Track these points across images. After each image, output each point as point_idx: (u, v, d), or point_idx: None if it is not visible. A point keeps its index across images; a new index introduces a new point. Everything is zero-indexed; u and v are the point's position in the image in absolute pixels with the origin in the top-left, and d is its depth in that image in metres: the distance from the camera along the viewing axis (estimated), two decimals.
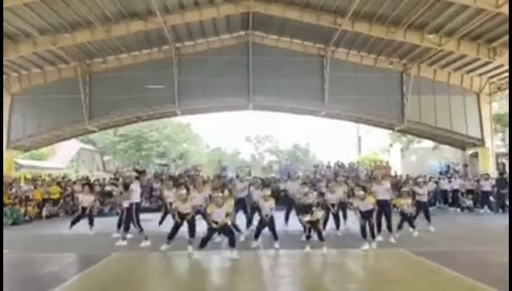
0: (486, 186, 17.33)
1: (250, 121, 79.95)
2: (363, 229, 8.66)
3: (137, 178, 10.00)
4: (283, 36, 21.96)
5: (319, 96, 21.97)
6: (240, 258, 7.52)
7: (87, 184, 13.15)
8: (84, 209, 11.08)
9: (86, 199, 10.99)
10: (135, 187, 9.36)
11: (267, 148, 52.40)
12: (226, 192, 9.03)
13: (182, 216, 8.40)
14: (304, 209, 8.58)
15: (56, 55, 19.59)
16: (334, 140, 63.49)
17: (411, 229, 10.01)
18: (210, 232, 7.85)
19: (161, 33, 19.14)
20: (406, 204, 9.83)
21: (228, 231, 7.86)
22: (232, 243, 7.69)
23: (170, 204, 10.01)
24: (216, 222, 7.67)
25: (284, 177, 18.18)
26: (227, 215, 7.82)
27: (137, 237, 9.30)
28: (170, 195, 10.47)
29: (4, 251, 8.28)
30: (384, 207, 9.40)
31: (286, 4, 18.74)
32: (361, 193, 8.80)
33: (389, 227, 9.49)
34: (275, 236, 8.68)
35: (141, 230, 9.22)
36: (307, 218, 8.35)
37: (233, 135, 79.13)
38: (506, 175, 18.15)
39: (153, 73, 21.58)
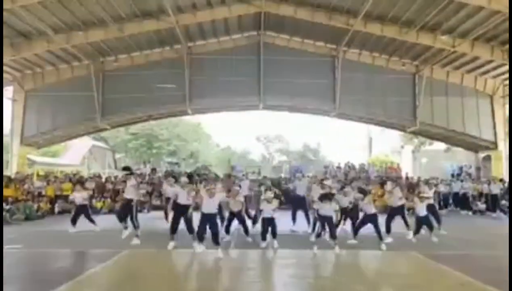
0: (496, 189, 17.15)
1: (260, 121, 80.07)
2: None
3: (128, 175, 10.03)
4: (295, 36, 21.94)
5: (330, 96, 21.89)
6: (249, 257, 7.55)
7: (79, 181, 13.14)
8: (78, 206, 10.77)
9: (78, 196, 10.78)
10: (131, 184, 9.47)
11: (277, 148, 52.42)
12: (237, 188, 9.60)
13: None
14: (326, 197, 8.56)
15: (69, 53, 19.84)
16: (345, 141, 63.32)
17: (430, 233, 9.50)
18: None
19: (173, 32, 19.26)
20: (420, 206, 9.45)
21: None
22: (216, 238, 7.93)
23: (168, 199, 10.10)
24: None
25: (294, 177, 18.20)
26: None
27: (144, 233, 9.38)
28: (173, 190, 10.16)
29: (17, 246, 8.44)
30: (399, 211, 9.62)
31: (298, 4, 18.71)
32: (360, 195, 9.15)
33: (407, 226, 9.65)
34: (273, 235, 8.84)
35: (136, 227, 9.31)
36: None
37: (243, 135, 79.38)
38: None
39: (165, 72, 21.74)
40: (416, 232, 9.39)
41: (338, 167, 22.72)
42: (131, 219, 9.31)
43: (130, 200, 9.37)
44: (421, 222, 9.38)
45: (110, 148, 39.05)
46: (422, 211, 9.36)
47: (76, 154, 33.39)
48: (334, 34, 20.18)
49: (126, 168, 10.85)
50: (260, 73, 21.75)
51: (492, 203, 17.22)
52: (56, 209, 16.56)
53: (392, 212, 9.59)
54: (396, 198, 9.63)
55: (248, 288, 6.14)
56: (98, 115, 21.40)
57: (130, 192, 9.44)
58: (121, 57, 21.51)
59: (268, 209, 8.84)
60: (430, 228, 9.45)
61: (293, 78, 21.54)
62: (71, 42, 18.38)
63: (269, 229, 8.76)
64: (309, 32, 20.87)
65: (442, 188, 18.28)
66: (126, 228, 9.36)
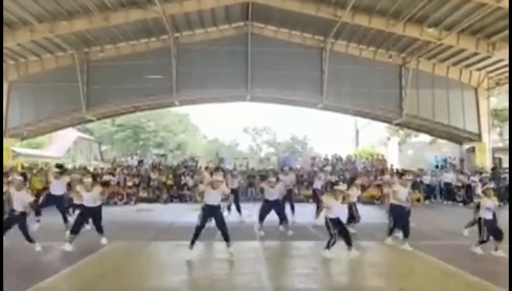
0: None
1: (248, 113, 79.90)
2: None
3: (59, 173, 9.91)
4: (283, 28, 21.86)
5: (318, 88, 21.92)
6: (242, 248, 7.56)
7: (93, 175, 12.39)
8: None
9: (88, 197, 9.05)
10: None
11: (265, 140, 52.39)
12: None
13: None
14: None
15: (53, 43, 19.43)
16: (332, 133, 63.62)
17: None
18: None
19: (159, 23, 19.01)
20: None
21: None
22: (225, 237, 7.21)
23: None
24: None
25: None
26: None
27: (132, 227, 9.33)
28: None
29: None
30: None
31: None
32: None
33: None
34: (281, 220, 9.57)
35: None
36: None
37: (231, 126, 79.13)
38: (499, 170, 18.28)
39: (152, 62, 21.50)
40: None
41: (326, 159, 22.87)
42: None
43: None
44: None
45: (95, 140, 38.61)
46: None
47: (60, 146, 32.95)
48: (322, 26, 20.16)
49: (58, 166, 10.59)
50: (247, 65, 21.66)
51: (473, 193, 17.57)
52: (41, 202, 16.33)
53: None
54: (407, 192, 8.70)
55: (236, 279, 6.17)
56: (83, 106, 21.08)
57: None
58: (106, 47, 21.17)
59: (272, 191, 9.33)
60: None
61: (280, 69, 21.50)
62: (55, 31, 17.98)
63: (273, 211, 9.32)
64: (297, 23, 20.82)
65: (428, 179, 18.56)
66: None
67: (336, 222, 7.05)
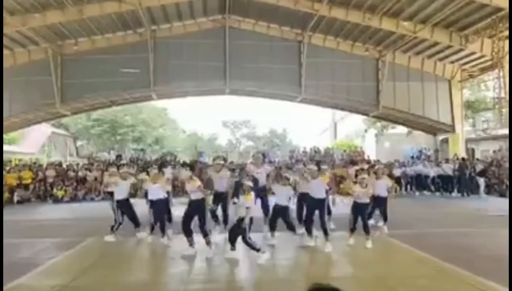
0: (448, 170, 18.01)
1: (227, 107, 79.90)
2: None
3: None
4: (261, 21, 21.82)
5: (296, 81, 22.04)
6: (221, 241, 7.58)
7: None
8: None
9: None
10: None
11: (244, 133, 52.52)
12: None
13: None
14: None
15: (26, 37, 18.88)
16: (310, 126, 64.18)
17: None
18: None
19: (136, 15, 18.69)
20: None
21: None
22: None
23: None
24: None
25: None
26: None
27: (111, 222, 9.22)
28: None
29: None
30: (380, 203, 8.68)
31: None
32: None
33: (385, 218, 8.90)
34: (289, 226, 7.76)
35: None
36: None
37: (210, 120, 78.97)
38: (468, 161, 18.81)
39: (128, 56, 21.13)
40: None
41: (304, 151, 23.06)
42: None
43: None
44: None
45: (71, 135, 37.83)
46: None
47: (34, 142, 32.13)
48: (300, 19, 20.23)
49: None
50: (226, 58, 21.57)
51: (446, 183, 18.11)
52: (15, 198, 16.02)
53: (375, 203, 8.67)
54: (385, 184, 8.87)
55: (214, 271, 6.20)
56: (58, 100, 20.59)
57: None
58: (81, 40, 20.68)
59: (283, 194, 7.62)
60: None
61: (259, 63, 21.52)
62: (27, 24, 17.44)
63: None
64: (275, 16, 20.80)
65: (399, 171, 18.92)
66: None
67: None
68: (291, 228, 7.60)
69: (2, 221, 7.05)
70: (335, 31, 21.23)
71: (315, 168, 7.87)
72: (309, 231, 7.51)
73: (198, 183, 7.13)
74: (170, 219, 8.52)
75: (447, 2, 16.22)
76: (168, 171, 11.54)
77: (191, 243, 6.97)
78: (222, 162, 8.72)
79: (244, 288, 5.32)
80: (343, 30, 20.77)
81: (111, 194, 8.32)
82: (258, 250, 6.40)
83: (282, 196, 7.60)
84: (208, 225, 7.36)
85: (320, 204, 7.53)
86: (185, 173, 7.40)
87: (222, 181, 8.33)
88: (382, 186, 8.58)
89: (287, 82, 22.10)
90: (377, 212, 9.01)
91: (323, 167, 8.27)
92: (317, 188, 7.55)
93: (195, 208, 7.06)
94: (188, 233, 6.97)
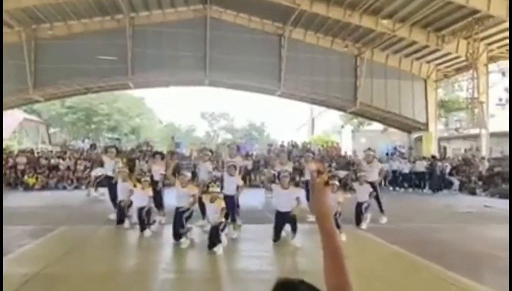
0: (421, 167, 18.49)
1: (205, 98, 79.23)
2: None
3: None
4: (242, 13, 21.70)
5: (276, 75, 22.06)
6: (195, 232, 7.52)
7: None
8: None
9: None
10: None
11: (222, 126, 52.23)
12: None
13: None
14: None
15: None
16: (288, 121, 64.43)
17: None
18: None
19: (114, 1, 18.28)
20: None
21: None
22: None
23: None
24: None
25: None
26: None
27: (83, 212, 9.06)
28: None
29: None
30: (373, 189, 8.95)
31: None
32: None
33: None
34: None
35: None
36: None
37: (188, 111, 78.09)
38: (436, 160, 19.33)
39: (105, 43, 20.67)
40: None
41: (282, 145, 23.14)
42: None
43: None
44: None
45: (43, 122, 36.73)
46: None
47: (5, 128, 31.02)
48: (281, 13, 20.20)
49: None
50: (206, 49, 21.37)
51: (418, 180, 18.58)
52: None
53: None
54: (377, 168, 9.74)
55: (187, 263, 6.17)
56: (30, 86, 19.98)
57: None
58: (56, 25, 20.08)
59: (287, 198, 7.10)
60: None
61: (239, 55, 21.42)
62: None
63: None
64: (256, 9, 20.72)
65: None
66: None
67: None
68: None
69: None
70: (315, 27, 21.32)
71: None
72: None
73: (195, 190, 7.13)
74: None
75: (426, 2, 16.51)
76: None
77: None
78: (209, 154, 9.05)
79: (221, 277, 5.31)
80: (323, 26, 20.89)
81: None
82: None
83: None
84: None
85: None
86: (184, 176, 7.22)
87: (208, 170, 8.62)
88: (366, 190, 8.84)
89: (266, 75, 22.09)
90: (376, 208, 9.34)
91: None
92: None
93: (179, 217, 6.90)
94: (176, 237, 6.85)
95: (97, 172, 12.88)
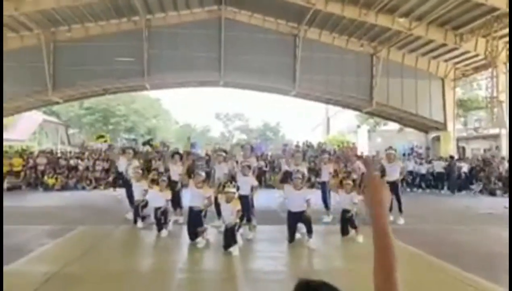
0: (439, 168, 18.20)
1: (220, 99, 79.73)
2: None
3: None
4: (256, 13, 21.72)
5: (290, 75, 22.02)
6: (211, 232, 7.57)
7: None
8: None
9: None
10: None
11: (237, 126, 52.40)
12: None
13: None
14: None
15: (18, 22, 18.61)
16: (304, 121, 64.26)
17: None
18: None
19: (130, 3, 18.53)
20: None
21: None
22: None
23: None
24: None
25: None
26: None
27: (101, 212, 9.21)
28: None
29: None
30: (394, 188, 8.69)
31: None
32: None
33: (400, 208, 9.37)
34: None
35: None
36: None
37: (203, 112, 78.65)
38: (455, 160, 19.01)
39: (122, 44, 20.96)
40: None
41: (297, 145, 23.06)
42: None
43: None
44: None
45: (63, 123, 37.43)
46: None
47: (25, 129, 31.68)
48: (296, 13, 20.16)
49: None
50: (220, 49, 21.46)
51: (436, 180, 18.30)
52: (6, 185, 15.87)
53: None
54: (399, 168, 9.79)
55: (202, 263, 6.21)
56: (50, 87, 20.39)
57: None
58: (74, 27, 20.46)
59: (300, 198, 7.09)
60: None
61: (254, 55, 21.44)
62: (20, 9, 17.19)
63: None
64: (271, 9, 20.72)
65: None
66: None
67: None
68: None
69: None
70: (330, 26, 21.19)
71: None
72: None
73: (210, 192, 7.26)
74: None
75: (443, 0, 16.25)
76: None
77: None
78: (224, 154, 9.19)
79: (237, 277, 5.34)
80: (338, 25, 20.74)
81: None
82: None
83: None
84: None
85: None
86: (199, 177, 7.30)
87: (223, 171, 8.73)
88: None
89: (281, 75, 22.07)
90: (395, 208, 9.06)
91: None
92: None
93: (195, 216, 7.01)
94: (192, 236, 6.97)
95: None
